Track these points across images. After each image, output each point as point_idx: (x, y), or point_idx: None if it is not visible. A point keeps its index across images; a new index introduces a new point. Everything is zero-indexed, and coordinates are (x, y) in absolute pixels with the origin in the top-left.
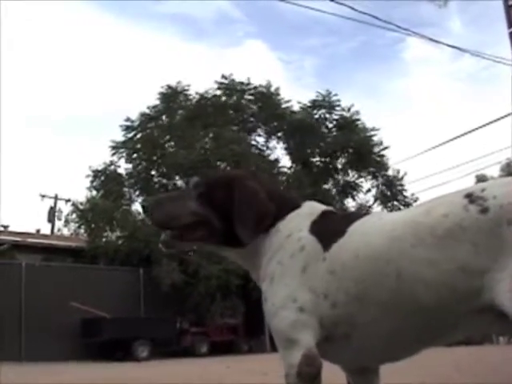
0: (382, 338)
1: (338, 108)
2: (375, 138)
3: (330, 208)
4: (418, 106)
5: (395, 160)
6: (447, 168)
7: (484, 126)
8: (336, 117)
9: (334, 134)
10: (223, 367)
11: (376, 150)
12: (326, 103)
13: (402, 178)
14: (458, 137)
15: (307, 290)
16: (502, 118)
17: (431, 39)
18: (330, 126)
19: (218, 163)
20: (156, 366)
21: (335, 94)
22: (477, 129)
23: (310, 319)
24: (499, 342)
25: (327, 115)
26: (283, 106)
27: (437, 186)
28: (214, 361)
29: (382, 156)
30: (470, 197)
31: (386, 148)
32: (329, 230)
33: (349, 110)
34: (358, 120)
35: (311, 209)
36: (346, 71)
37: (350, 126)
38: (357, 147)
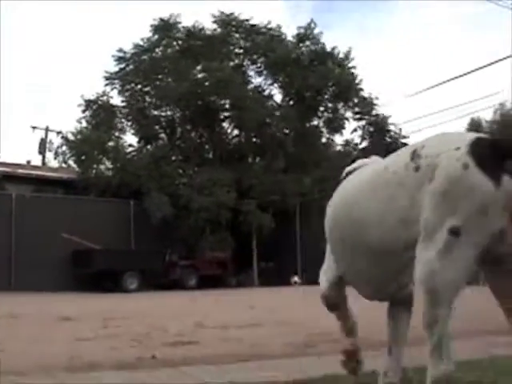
0: (353, 276)
1: (322, 41)
2: (358, 74)
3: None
4: (416, 47)
5: (387, 99)
6: (443, 109)
7: (480, 68)
8: (320, 50)
9: (319, 67)
10: (211, 300)
11: (360, 86)
12: (309, 36)
13: (387, 118)
14: (453, 78)
15: None
16: (498, 61)
17: None
18: (315, 60)
19: (206, 95)
20: (145, 297)
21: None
22: (472, 71)
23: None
24: (485, 284)
25: (312, 48)
26: (273, 40)
27: (432, 127)
28: (202, 294)
29: (364, 98)
30: (413, 154)
31: (361, 80)
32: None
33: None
34: (346, 57)
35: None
36: (341, 11)
37: (333, 60)
38: (340, 81)
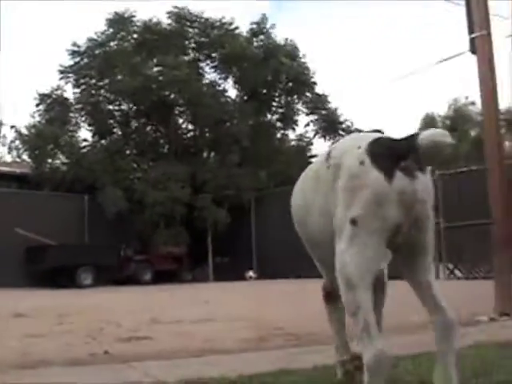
0: (319, 264)
1: (273, 36)
2: (311, 69)
3: None
4: (373, 43)
5: (341, 94)
6: (397, 105)
7: (436, 64)
8: (272, 45)
9: (272, 61)
10: (166, 295)
11: (313, 80)
12: (262, 30)
13: (336, 111)
14: (412, 73)
15: None
16: (452, 57)
17: None
18: (267, 54)
19: (161, 90)
20: (100, 293)
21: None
22: (430, 67)
23: None
24: (439, 277)
25: (265, 42)
26: (227, 35)
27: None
28: (157, 289)
29: (317, 94)
30: (327, 154)
31: (314, 74)
32: None
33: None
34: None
35: None
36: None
37: (286, 54)
38: (292, 75)
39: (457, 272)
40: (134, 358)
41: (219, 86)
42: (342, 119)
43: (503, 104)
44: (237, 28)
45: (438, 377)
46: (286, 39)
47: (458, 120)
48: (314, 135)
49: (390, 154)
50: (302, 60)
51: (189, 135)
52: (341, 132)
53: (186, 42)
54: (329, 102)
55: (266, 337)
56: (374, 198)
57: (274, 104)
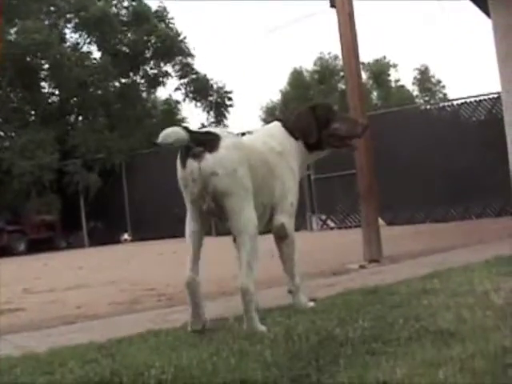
0: None
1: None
2: (181, 32)
3: None
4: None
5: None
6: (265, 62)
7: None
8: (142, 8)
9: (141, 25)
10: (40, 264)
11: (184, 43)
12: None
13: (208, 79)
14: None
15: None
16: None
17: None
18: (136, 17)
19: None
20: None
21: None
22: (295, 22)
23: None
24: (313, 228)
25: (135, 6)
26: None
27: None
28: (31, 258)
29: (188, 54)
30: None
31: (185, 37)
32: None
33: None
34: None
35: None
36: None
37: (157, 17)
38: (163, 38)
39: (329, 222)
40: (7, 330)
41: (81, 49)
42: (212, 83)
43: (371, 56)
44: None
45: None
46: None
47: (325, 74)
48: (184, 99)
49: (186, 146)
50: (172, 24)
51: (55, 101)
52: (211, 94)
53: (47, 6)
54: (198, 64)
55: (138, 299)
56: (181, 182)
57: (144, 67)
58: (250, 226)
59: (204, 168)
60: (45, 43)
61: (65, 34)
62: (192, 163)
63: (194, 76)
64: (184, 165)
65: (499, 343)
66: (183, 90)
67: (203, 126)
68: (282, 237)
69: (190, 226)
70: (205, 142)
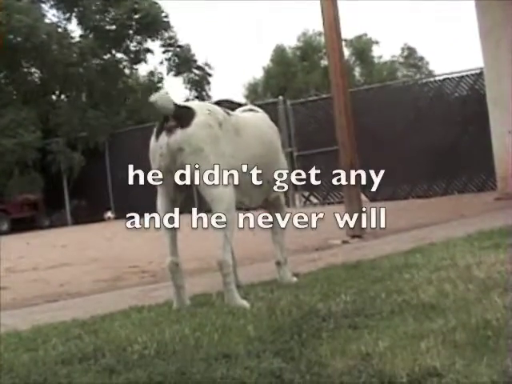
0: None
1: None
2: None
3: None
4: None
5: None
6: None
7: None
8: None
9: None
10: (23, 243)
11: (167, 18)
12: None
13: (191, 50)
14: None
15: None
16: None
17: None
18: None
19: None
20: None
21: None
22: None
23: None
24: (296, 205)
25: None
26: None
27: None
28: (14, 238)
29: (170, 29)
30: None
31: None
32: None
33: None
34: None
35: None
36: None
37: None
38: (147, 14)
39: (312, 199)
40: None
41: (62, 26)
42: (195, 57)
43: (353, 33)
44: None
45: None
46: None
47: (307, 50)
48: (168, 72)
49: (162, 121)
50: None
51: (36, 79)
52: (194, 69)
53: None
54: (180, 38)
55: (121, 276)
56: (150, 155)
57: (127, 42)
58: (224, 200)
59: (172, 143)
60: (32, 26)
61: (46, 11)
62: (163, 137)
63: (178, 49)
64: (157, 138)
65: (480, 316)
66: (167, 64)
67: (187, 100)
68: (276, 207)
69: (162, 205)
70: (180, 116)
